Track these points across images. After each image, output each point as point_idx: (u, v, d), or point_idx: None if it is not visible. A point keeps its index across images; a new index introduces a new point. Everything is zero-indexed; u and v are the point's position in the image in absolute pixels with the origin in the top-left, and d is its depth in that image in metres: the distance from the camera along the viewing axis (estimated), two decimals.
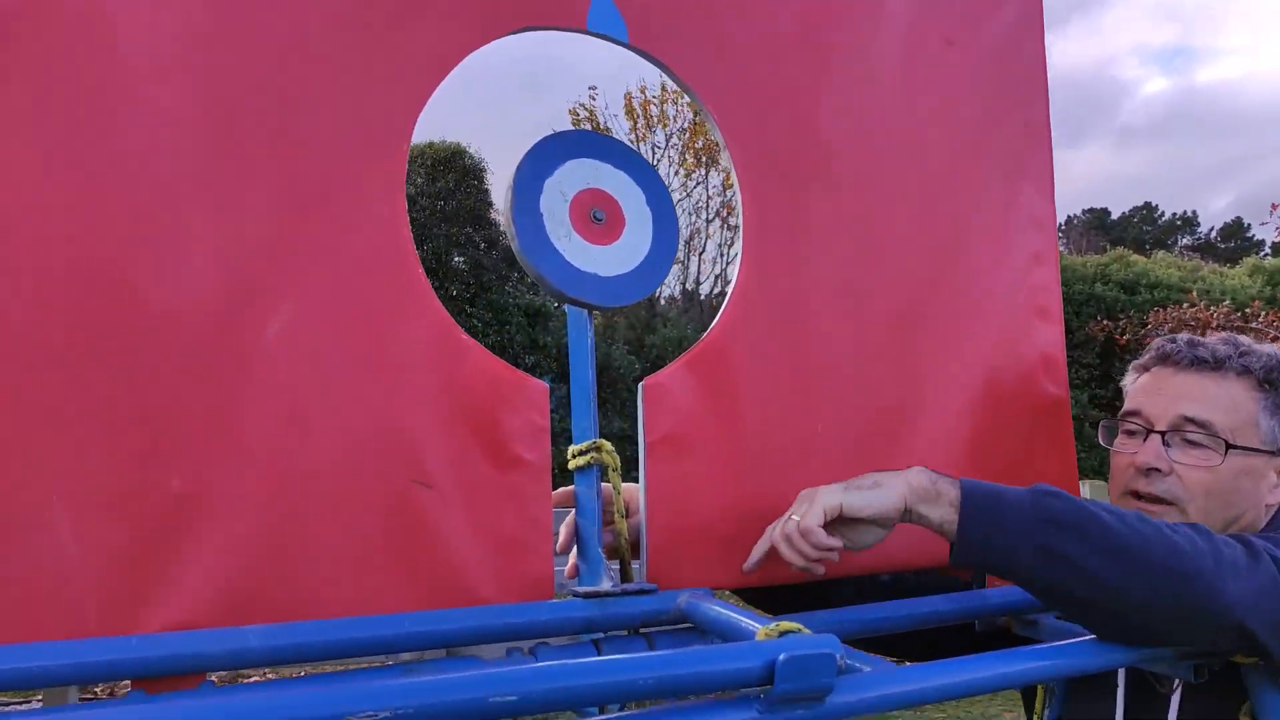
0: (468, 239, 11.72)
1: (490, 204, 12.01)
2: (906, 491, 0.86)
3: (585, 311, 0.90)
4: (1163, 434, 1.05)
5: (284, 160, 0.75)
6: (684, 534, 0.90)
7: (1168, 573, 0.80)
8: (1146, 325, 10.95)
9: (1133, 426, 1.10)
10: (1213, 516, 1.03)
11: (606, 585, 0.85)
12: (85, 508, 0.67)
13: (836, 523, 0.86)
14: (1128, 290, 13.26)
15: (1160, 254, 17.28)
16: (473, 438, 0.82)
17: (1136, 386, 1.14)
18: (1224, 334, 1.15)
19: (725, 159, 0.97)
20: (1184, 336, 1.13)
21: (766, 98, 0.97)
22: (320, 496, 0.74)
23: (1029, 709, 1.18)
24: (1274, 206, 11.02)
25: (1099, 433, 1.15)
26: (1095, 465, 12.24)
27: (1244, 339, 1.12)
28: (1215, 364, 1.07)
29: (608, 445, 0.88)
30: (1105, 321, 12.16)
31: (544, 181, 0.88)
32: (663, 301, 14.09)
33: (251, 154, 0.74)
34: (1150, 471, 1.04)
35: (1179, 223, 43.52)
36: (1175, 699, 1.03)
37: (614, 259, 0.90)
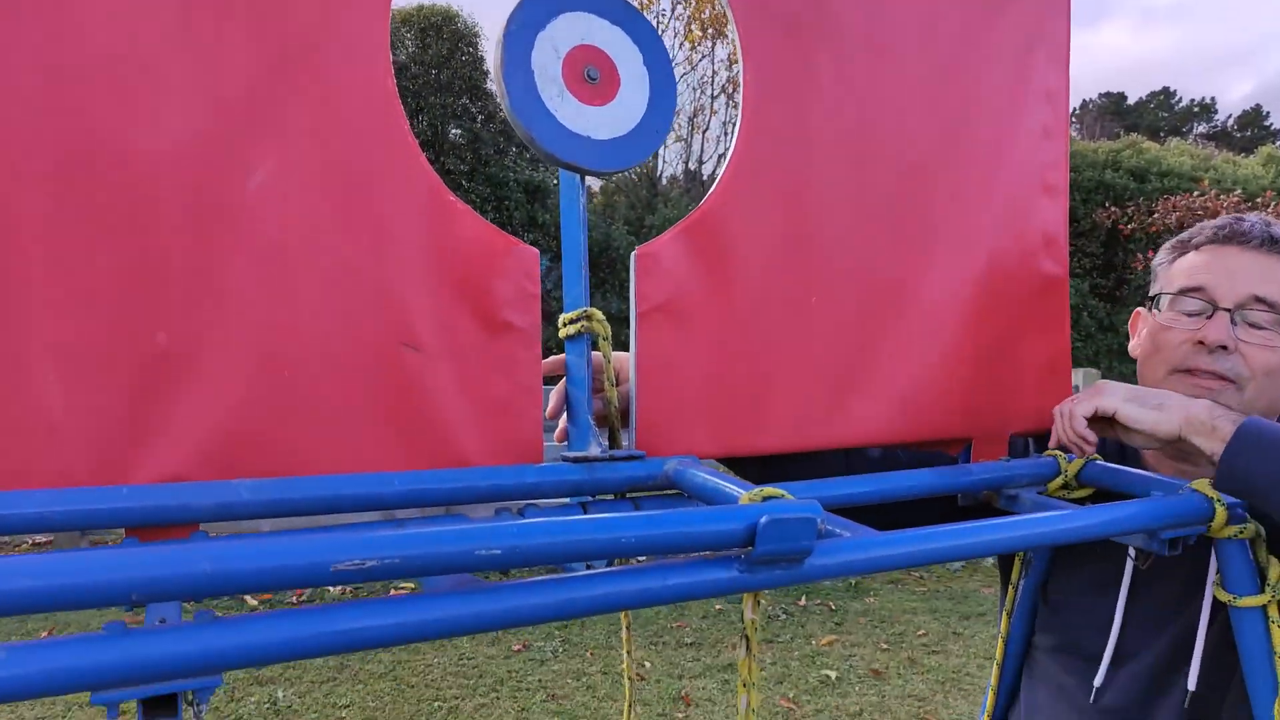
0: (464, 110, 11.41)
1: (486, 73, 11.64)
2: (1183, 421, 0.93)
3: (577, 176, 0.87)
4: (1230, 311, 1.04)
5: (267, 6, 0.71)
6: (673, 404, 0.90)
7: None
8: (1154, 214, 10.82)
9: (1193, 304, 1.08)
10: (1264, 396, 1.05)
11: (595, 451, 0.86)
12: (69, 363, 0.67)
13: (1112, 421, 0.98)
14: (1138, 178, 13.01)
15: (1174, 141, 16.86)
16: (461, 302, 0.81)
17: (1193, 264, 1.11)
18: (1262, 215, 1.12)
19: (729, 20, 0.92)
20: (1255, 216, 1.11)
21: None
22: (308, 355, 0.74)
23: (1005, 582, 1.22)
24: None
25: (1146, 307, 1.14)
26: (1091, 354, 12.32)
27: None
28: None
29: (598, 314, 0.87)
30: (1113, 209, 11.99)
31: (536, 35, 0.83)
32: (664, 180, 13.84)
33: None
34: (1217, 349, 1.03)
35: (1196, 109, 42.37)
36: (1129, 562, 1.06)
37: (608, 121, 0.87)
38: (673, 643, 4.43)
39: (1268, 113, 39.85)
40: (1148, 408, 0.96)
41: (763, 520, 0.65)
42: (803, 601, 5.05)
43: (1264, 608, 0.90)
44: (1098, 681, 1.09)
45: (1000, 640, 1.19)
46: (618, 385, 0.89)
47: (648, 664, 4.18)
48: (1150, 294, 1.18)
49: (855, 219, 0.98)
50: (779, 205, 0.94)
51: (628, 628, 0.94)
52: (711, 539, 0.66)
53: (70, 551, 0.50)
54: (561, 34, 0.85)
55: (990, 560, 5.80)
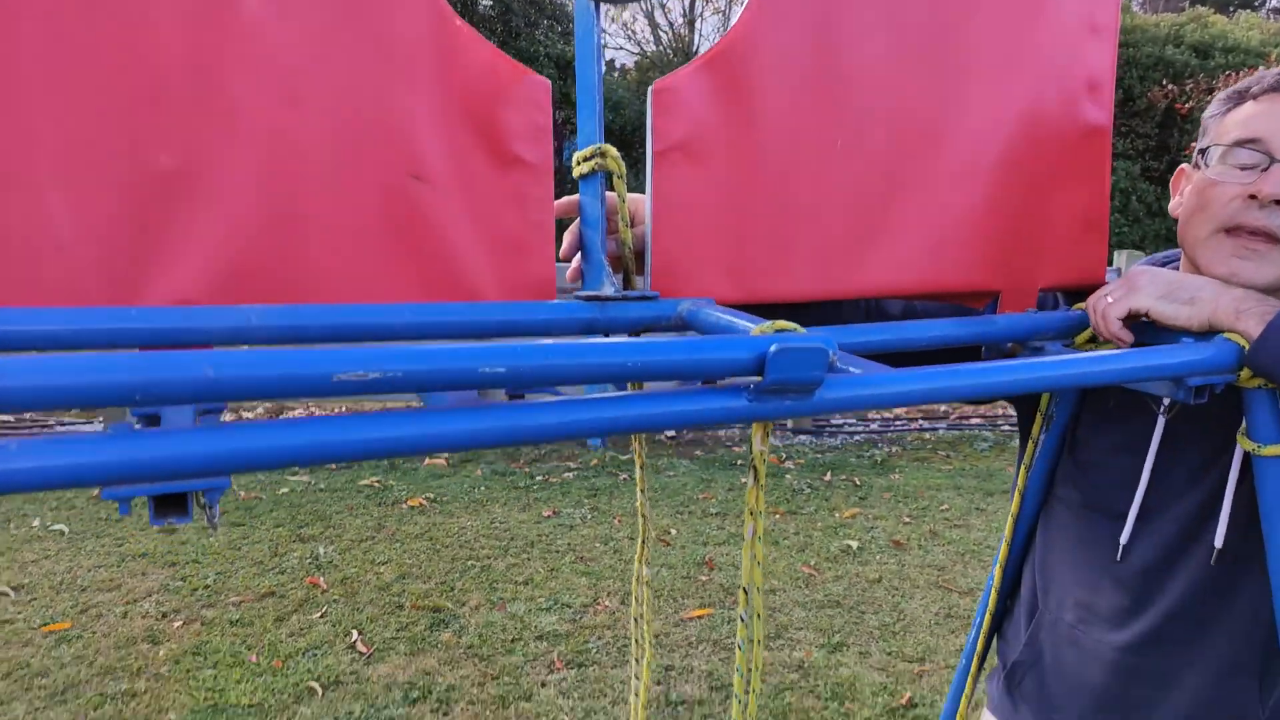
0: None
1: None
2: (1212, 315, 0.92)
3: (592, 3, 0.83)
4: None
5: None
6: (690, 245, 0.88)
7: None
8: (1214, 91, 10.26)
9: (1248, 157, 1.00)
10: None
11: (609, 290, 0.85)
12: (74, 180, 0.66)
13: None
14: (1200, 54, 12.29)
15: (1244, 15, 15.84)
16: (469, 132, 0.79)
17: (1249, 114, 1.03)
18: None
19: None
20: None
21: None
22: (316, 178, 0.72)
23: (1024, 438, 1.21)
24: None
25: (1189, 165, 1.07)
26: (1137, 239, 11.98)
27: None
28: None
29: (613, 151, 0.84)
30: (1170, 86, 11.40)
31: None
32: (698, 51, 13.36)
33: None
34: (1271, 204, 0.96)
35: None
36: (1162, 419, 1.05)
37: None
38: (699, 512, 4.55)
39: None
40: (1180, 303, 0.93)
41: (773, 349, 0.64)
42: (828, 477, 5.13)
43: None
44: (1124, 539, 1.09)
45: (1017, 494, 1.20)
46: (633, 227, 0.87)
47: (673, 531, 4.31)
48: (1199, 148, 1.11)
49: (886, 54, 0.93)
50: (807, 38, 0.89)
51: (641, 466, 0.95)
52: (720, 367, 0.65)
53: (77, 354, 0.51)
54: None
55: (1016, 441, 5.82)
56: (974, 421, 6.29)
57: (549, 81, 0.82)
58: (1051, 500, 1.20)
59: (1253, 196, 0.98)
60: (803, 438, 5.85)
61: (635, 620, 1.00)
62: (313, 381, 0.54)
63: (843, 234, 0.95)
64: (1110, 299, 0.98)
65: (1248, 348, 0.87)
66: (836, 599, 3.66)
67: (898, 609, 3.59)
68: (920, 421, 6.28)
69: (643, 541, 0.97)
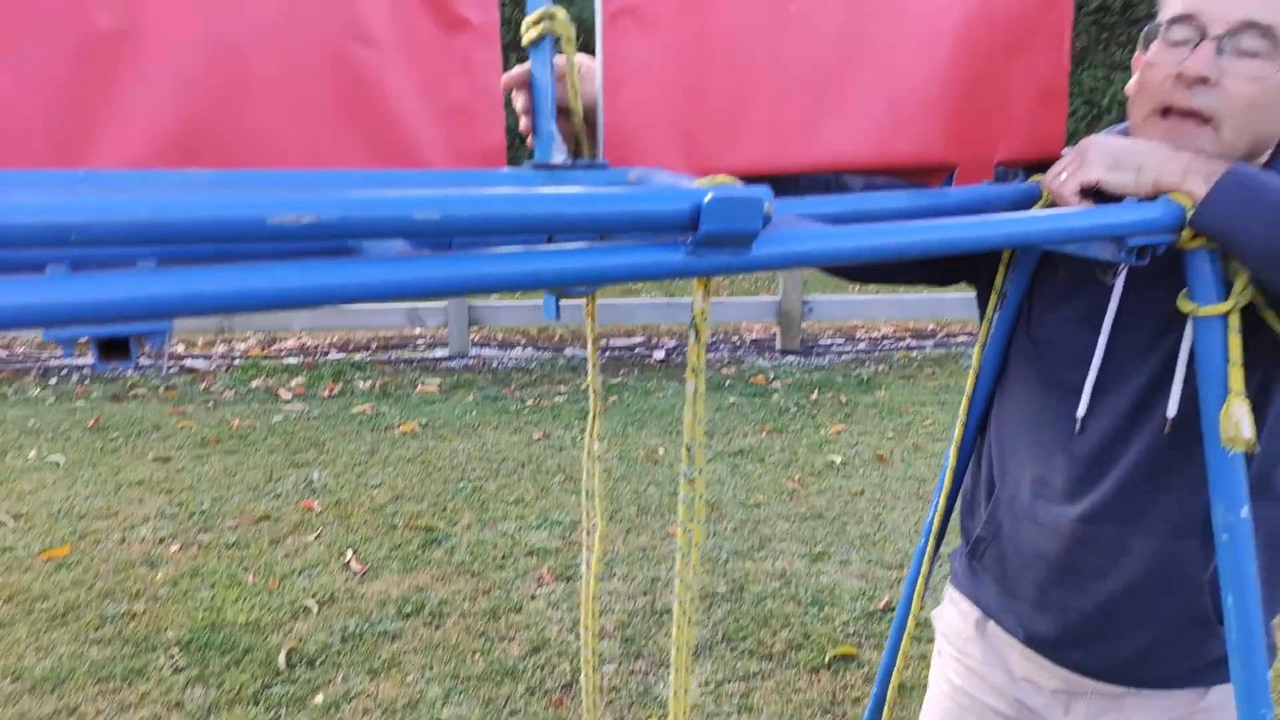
0: None
1: None
2: (1155, 183, 0.92)
3: None
4: (1219, 38, 0.95)
5: None
6: (642, 114, 0.88)
7: None
8: None
9: (1181, 33, 0.98)
10: (1245, 135, 0.98)
11: (558, 159, 0.85)
12: (12, 44, 0.66)
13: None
14: None
15: None
16: None
17: None
18: None
19: None
20: None
21: None
22: (257, 39, 0.72)
23: (981, 316, 1.23)
24: None
25: (1141, 46, 1.06)
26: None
27: None
28: None
29: (562, 13, 0.84)
30: None
31: None
32: None
33: None
34: (1195, 83, 0.96)
35: None
36: (1119, 284, 1.06)
37: None
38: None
39: None
40: (1127, 170, 0.92)
41: (707, 199, 0.65)
42: (814, 396, 5.17)
43: (1225, 315, 0.91)
44: (1080, 412, 1.11)
45: (972, 374, 1.22)
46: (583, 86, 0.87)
47: (661, 450, 4.37)
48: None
49: None
50: None
51: (593, 341, 0.96)
52: (657, 218, 0.66)
53: (11, 192, 0.51)
54: None
55: None
56: (960, 339, 6.32)
57: None
58: (1007, 380, 1.22)
59: (1180, 76, 0.97)
60: (790, 358, 5.90)
61: (585, 494, 1.03)
62: (246, 224, 0.55)
63: (797, 105, 0.95)
64: (1064, 175, 0.98)
65: (1192, 208, 0.88)
66: (819, 511, 3.73)
67: (879, 519, 3.67)
68: (908, 340, 6.32)
69: (593, 416, 0.99)
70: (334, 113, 0.76)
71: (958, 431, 1.26)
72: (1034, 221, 0.82)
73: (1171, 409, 1.05)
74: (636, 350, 6.06)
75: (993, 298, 1.16)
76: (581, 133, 0.89)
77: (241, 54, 0.72)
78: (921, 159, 1.04)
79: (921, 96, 1.00)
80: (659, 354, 5.96)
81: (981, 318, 1.21)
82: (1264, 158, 1.03)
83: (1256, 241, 0.85)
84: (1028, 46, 1.06)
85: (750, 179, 0.96)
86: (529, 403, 5.09)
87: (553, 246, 0.66)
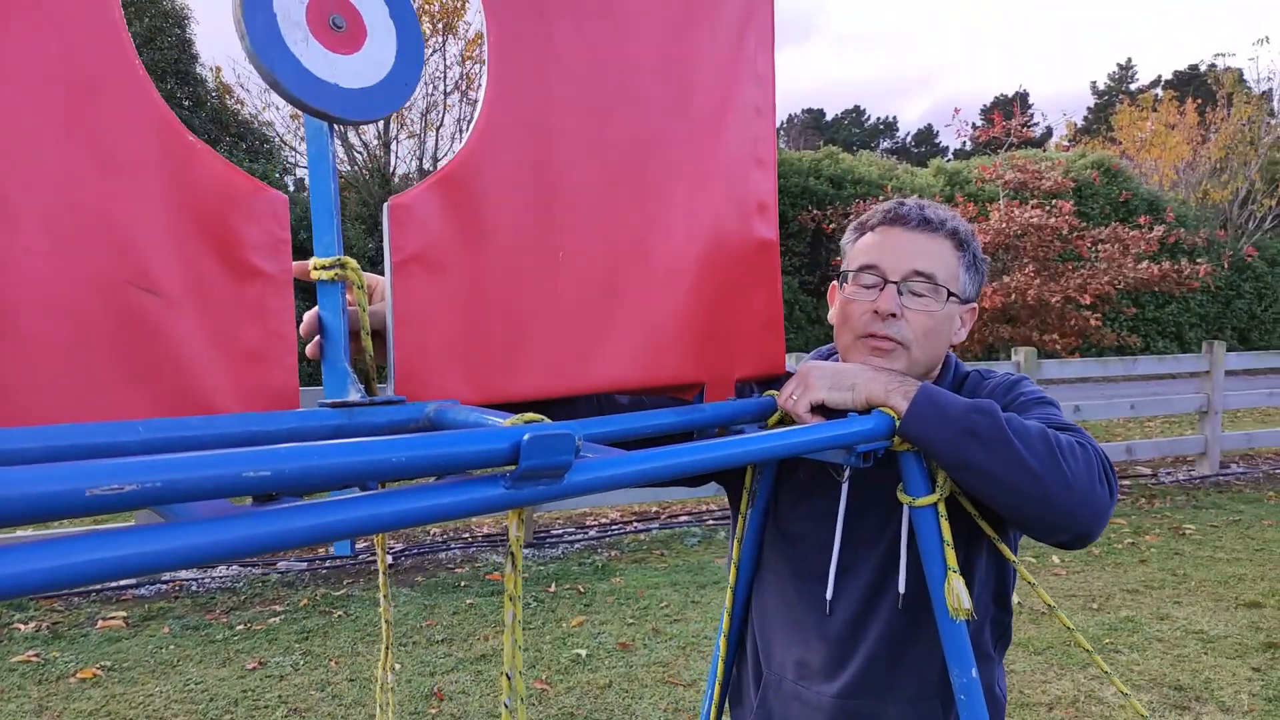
0: (170, 96, 10.41)
1: (195, 56, 10.70)
2: (867, 399, 1.11)
3: (326, 124, 0.87)
4: (897, 284, 1.22)
5: None
6: (431, 351, 0.93)
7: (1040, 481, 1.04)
8: (849, 216, 12.15)
9: (869, 279, 1.25)
10: (925, 354, 1.24)
11: (355, 397, 0.87)
12: None
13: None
14: (836, 185, 14.51)
15: (864, 154, 18.97)
16: (204, 245, 0.79)
17: (868, 244, 1.28)
18: (924, 200, 1.32)
19: None
20: (912, 200, 1.30)
21: None
22: (33, 293, 0.68)
23: (734, 514, 1.36)
24: (955, 111, 12.47)
25: (837, 281, 1.30)
26: (803, 344, 13.53)
27: (943, 206, 1.31)
28: (936, 225, 1.26)
29: (353, 263, 0.88)
30: (815, 211, 13.30)
31: None
32: (397, 179, 13.43)
33: None
34: (888, 317, 1.21)
35: (882, 127, 47.83)
36: (846, 483, 1.24)
37: (356, 71, 0.87)
38: (423, 641, 4.35)
39: (937, 131, 45.87)
40: (843, 390, 1.13)
41: (525, 437, 0.70)
42: (553, 588, 5.15)
43: (934, 505, 1.09)
44: (828, 595, 1.25)
45: (733, 567, 1.33)
46: (372, 304, 0.90)
47: (398, 665, 4.08)
48: (840, 270, 1.36)
49: (598, 178, 1.05)
50: (527, 161, 0.99)
51: (384, 570, 0.95)
52: (479, 457, 0.70)
53: None
54: None
55: (722, 534, 6.24)
56: (682, 519, 6.66)
57: (286, 196, 0.84)
58: (763, 572, 1.34)
59: (875, 311, 1.23)
60: (525, 551, 5.85)
61: None
62: (63, 498, 0.51)
63: (569, 337, 1.05)
64: (795, 397, 1.16)
65: (898, 420, 1.07)
66: (570, 711, 3.65)
67: (630, 711, 3.65)
68: (635, 524, 6.53)
69: (386, 647, 0.96)
70: (115, 364, 0.73)
71: (724, 622, 1.34)
72: (785, 436, 0.96)
73: (901, 586, 1.21)
74: (360, 558, 5.72)
75: (744, 496, 1.29)
76: (370, 367, 0.91)
77: (13, 303, 0.68)
78: (676, 379, 1.17)
79: (672, 328, 1.14)
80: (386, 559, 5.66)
81: (736, 514, 1.33)
82: (937, 371, 1.28)
83: (945, 445, 1.05)
84: (750, 283, 1.25)
85: (529, 404, 1.03)
86: (239, 628, 4.57)
87: (378, 492, 0.67)
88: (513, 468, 0.71)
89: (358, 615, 4.67)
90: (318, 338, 0.89)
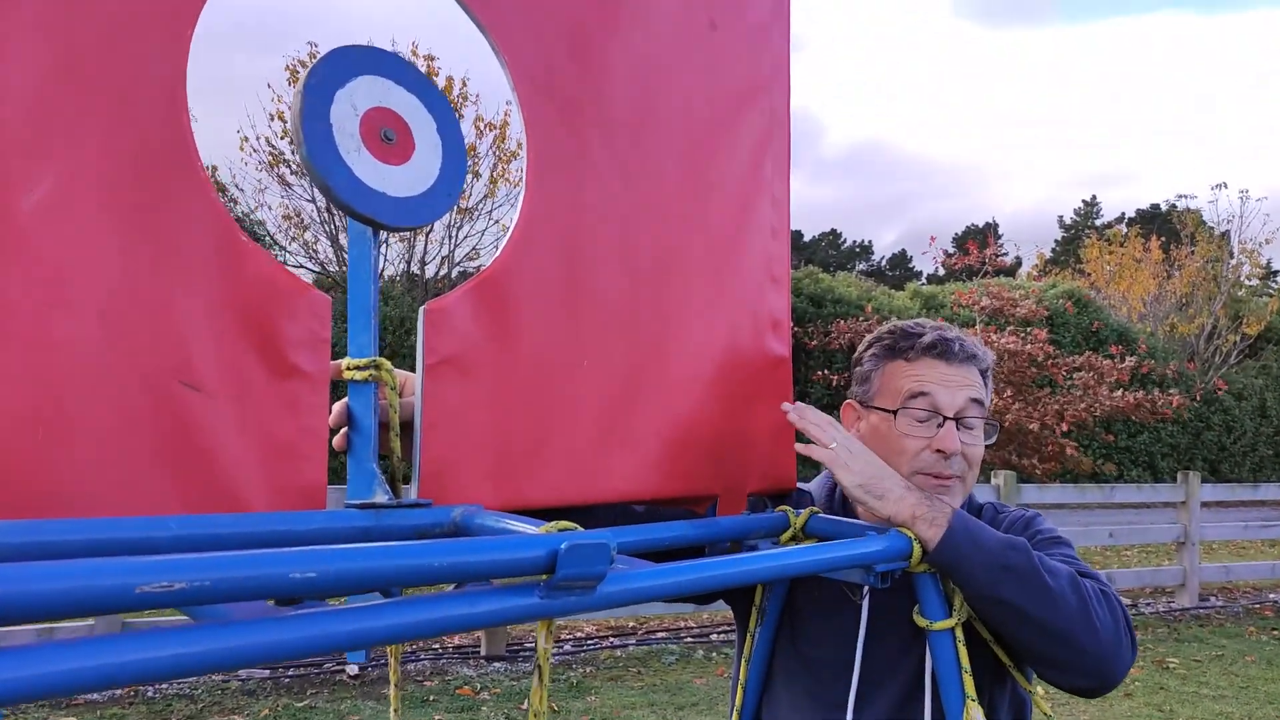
0: None
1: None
2: (893, 516, 1.10)
3: (369, 229, 0.90)
4: (955, 420, 1.22)
5: (58, 16, 0.68)
6: (458, 454, 0.93)
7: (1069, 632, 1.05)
8: (830, 333, 12.38)
9: (922, 414, 1.23)
10: (973, 481, 1.26)
11: (381, 498, 0.86)
12: None
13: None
14: (816, 303, 14.82)
15: (842, 275, 19.48)
16: (248, 343, 0.79)
17: (913, 374, 1.25)
18: (951, 329, 1.31)
19: (513, 97, 1.01)
20: (954, 332, 1.29)
21: (553, 35, 1.02)
22: (79, 383, 0.68)
23: (741, 631, 1.33)
24: (931, 240, 12.94)
25: (895, 418, 1.25)
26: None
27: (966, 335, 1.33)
28: (973, 356, 1.27)
29: (387, 364, 0.89)
30: (796, 329, 13.53)
31: (335, 92, 0.86)
32: (383, 279, 13.59)
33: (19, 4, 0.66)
34: (952, 455, 1.22)
35: (858, 250, 49.25)
36: (865, 604, 1.22)
37: (403, 180, 0.90)
38: None
39: (910, 256, 47.32)
40: (872, 496, 1.12)
41: (563, 546, 0.70)
42: (524, 705, 4.95)
43: (952, 630, 1.08)
44: None
45: (740, 687, 1.29)
46: (403, 397, 0.91)
47: None
48: (862, 393, 1.33)
49: (623, 288, 1.08)
50: (559, 271, 1.02)
51: (396, 684, 0.92)
52: (517, 565, 0.69)
53: None
54: (361, 94, 0.88)
55: (700, 653, 6.07)
56: (659, 635, 6.49)
57: (329, 297, 0.86)
58: (774, 694, 1.31)
59: (939, 450, 1.22)
60: (497, 665, 5.65)
61: None
62: (112, 593, 0.50)
63: (590, 446, 1.05)
64: (826, 438, 1.16)
65: (926, 545, 1.07)
66: None
67: None
68: (611, 639, 6.35)
69: None
70: (153, 458, 0.73)
71: None
72: (809, 553, 0.95)
73: (927, 714, 1.18)
74: (325, 667, 5.50)
75: (754, 614, 1.27)
76: (397, 469, 0.91)
77: (61, 395, 0.68)
78: (691, 490, 1.17)
79: (688, 440, 1.15)
80: (351, 669, 5.45)
81: (743, 632, 1.31)
82: None
83: (979, 577, 1.05)
84: (763, 397, 1.27)
85: (550, 511, 1.03)
86: None
87: (414, 598, 0.66)
88: (547, 576, 0.70)
89: None
90: (345, 429, 0.89)
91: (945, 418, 1.23)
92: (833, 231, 49.56)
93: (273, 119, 12.41)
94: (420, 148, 0.93)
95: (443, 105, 0.96)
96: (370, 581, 0.60)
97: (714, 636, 6.42)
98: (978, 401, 1.25)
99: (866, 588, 1.20)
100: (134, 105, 0.72)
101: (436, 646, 5.98)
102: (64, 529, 0.66)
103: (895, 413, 1.25)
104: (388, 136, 0.90)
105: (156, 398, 0.74)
